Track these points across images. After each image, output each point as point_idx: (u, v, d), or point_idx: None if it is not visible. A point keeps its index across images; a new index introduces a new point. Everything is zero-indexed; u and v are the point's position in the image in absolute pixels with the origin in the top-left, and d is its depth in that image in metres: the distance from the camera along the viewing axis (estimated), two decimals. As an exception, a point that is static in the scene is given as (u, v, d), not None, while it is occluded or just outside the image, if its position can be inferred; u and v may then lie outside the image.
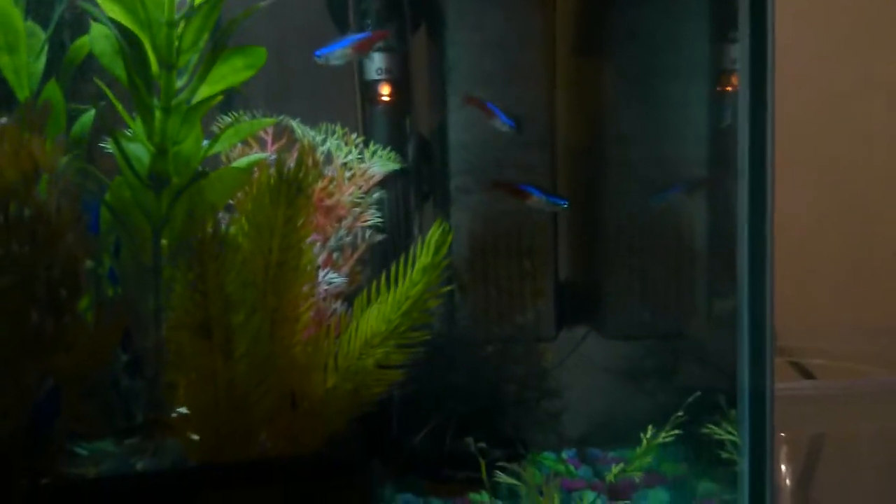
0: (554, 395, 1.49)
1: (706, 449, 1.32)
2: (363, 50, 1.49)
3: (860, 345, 1.85)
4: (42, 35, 1.31)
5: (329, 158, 1.40)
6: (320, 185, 1.36)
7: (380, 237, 1.43)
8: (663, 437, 1.27)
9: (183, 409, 1.17)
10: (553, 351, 1.59)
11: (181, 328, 1.14)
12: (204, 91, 1.23)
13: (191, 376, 1.16)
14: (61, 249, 1.12)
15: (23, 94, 1.28)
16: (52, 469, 1.16)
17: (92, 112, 1.30)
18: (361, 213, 1.39)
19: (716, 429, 1.26)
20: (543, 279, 1.59)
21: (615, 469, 1.31)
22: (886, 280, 2.15)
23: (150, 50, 1.21)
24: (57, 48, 1.34)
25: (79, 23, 1.35)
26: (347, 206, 1.38)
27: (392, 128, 1.61)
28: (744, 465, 1.14)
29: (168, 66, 1.21)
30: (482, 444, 1.29)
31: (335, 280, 1.32)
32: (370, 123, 1.61)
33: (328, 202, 1.37)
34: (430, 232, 1.21)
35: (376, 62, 1.59)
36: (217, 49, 1.21)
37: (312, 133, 1.41)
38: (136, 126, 1.23)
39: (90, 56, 1.30)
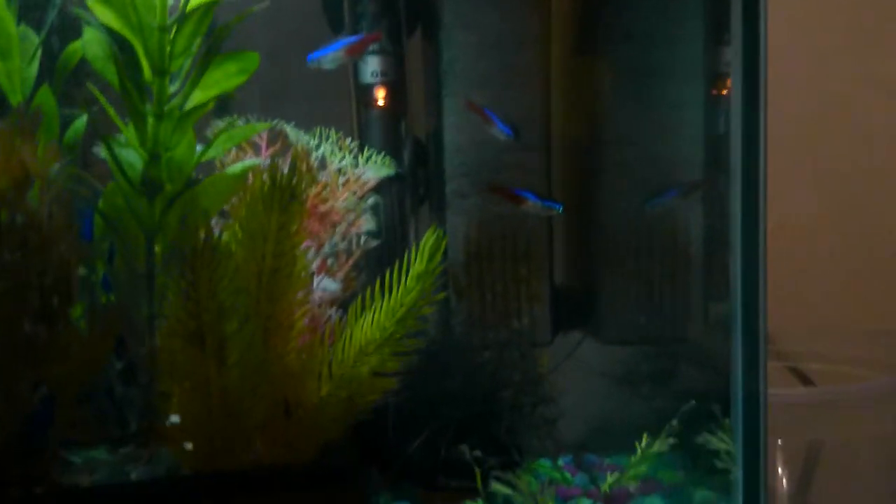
0: (550, 400, 1.48)
1: (703, 456, 1.31)
2: (355, 53, 1.49)
3: (858, 347, 1.84)
4: (35, 39, 1.31)
5: (323, 164, 1.39)
6: (314, 190, 1.35)
7: (375, 243, 1.42)
8: (659, 445, 1.26)
9: (175, 418, 1.17)
10: (549, 356, 1.58)
11: (174, 336, 1.14)
12: (197, 97, 1.22)
13: (184, 384, 1.16)
14: (54, 256, 1.11)
15: (15, 99, 1.28)
16: (46, 477, 1.16)
17: (85, 118, 1.30)
18: (356, 218, 1.39)
19: (712, 437, 1.25)
20: (539, 283, 1.59)
21: (610, 478, 1.30)
22: (885, 281, 2.15)
23: (142, 55, 1.21)
24: (50, 53, 1.33)
25: (72, 27, 1.34)
26: (342, 212, 1.37)
27: (387, 131, 1.61)
28: (738, 473, 1.14)
29: (160, 71, 1.20)
30: (477, 452, 1.28)
31: (330, 286, 1.32)
32: (365, 127, 1.60)
33: (322, 208, 1.36)
34: (425, 238, 1.20)
35: (371, 65, 1.59)
36: (210, 54, 1.21)
37: (307, 138, 1.40)
38: (129, 132, 1.23)
39: (83, 61, 1.29)
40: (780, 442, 1.63)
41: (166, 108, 1.21)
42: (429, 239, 1.20)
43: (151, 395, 1.22)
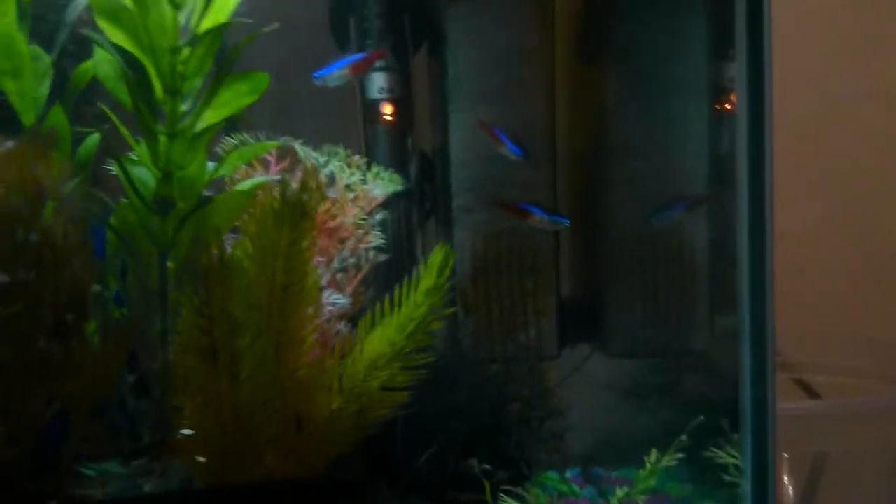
0: (557, 414, 1.49)
1: (710, 469, 1.32)
2: (361, 70, 1.50)
3: (863, 358, 1.85)
4: (47, 59, 1.32)
5: (332, 180, 1.41)
6: (324, 207, 1.36)
7: (383, 258, 1.43)
8: (668, 459, 1.27)
9: (188, 431, 1.18)
10: (556, 369, 1.59)
11: (187, 351, 1.15)
12: (208, 116, 1.24)
13: (197, 399, 1.17)
14: (68, 274, 1.12)
15: (28, 118, 1.29)
16: (60, 491, 1.17)
17: (96, 136, 1.31)
18: (364, 234, 1.40)
19: (719, 451, 1.26)
20: (546, 297, 1.60)
21: (619, 493, 1.31)
22: (892, 290, 2.15)
23: (154, 75, 1.23)
24: (60, 72, 1.34)
25: (82, 47, 1.36)
26: (351, 228, 1.39)
27: (394, 147, 1.62)
28: (747, 487, 1.14)
29: (173, 91, 1.22)
30: (486, 466, 1.29)
31: (339, 301, 1.33)
32: (372, 143, 1.62)
33: (331, 224, 1.38)
34: (433, 254, 1.22)
35: (378, 81, 1.60)
36: (221, 74, 1.23)
37: (315, 155, 1.42)
38: (141, 150, 1.24)
39: (93, 80, 1.31)
40: (785, 455, 1.64)
41: (178, 127, 1.23)
42: (437, 254, 1.21)
43: (164, 409, 1.23)
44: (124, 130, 1.24)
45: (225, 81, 1.23)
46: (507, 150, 1.50)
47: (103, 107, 1.23)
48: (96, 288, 1.23)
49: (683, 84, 1.59)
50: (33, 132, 1.26)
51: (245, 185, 1.31)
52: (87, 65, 1.30)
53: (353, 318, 1.35)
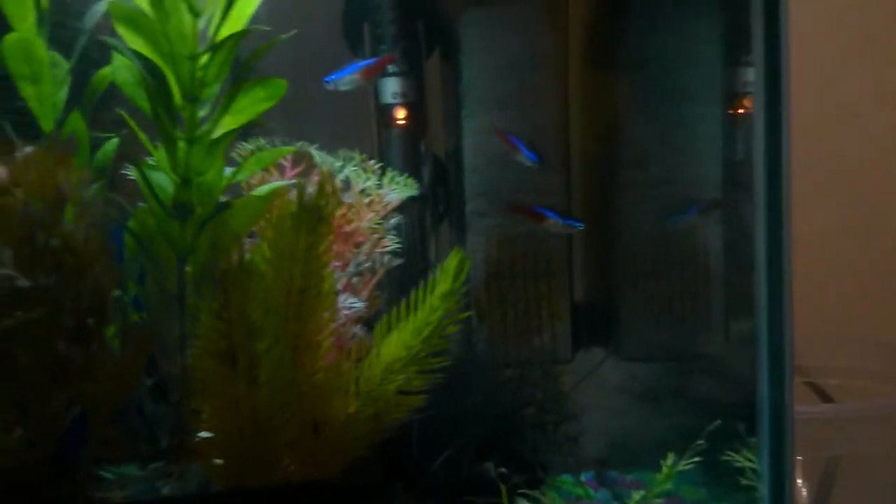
0: (571, 417, 1.50)
1: (726, 473, 1.32)
2: (371, 75, 1.51)
3: (876, 361, 1.84)
4: (65, 65, 1.33)
5: (347, 185, 1.42)
6: (340, 211, 1.37)
7: (397, 262, 1.44)
8: (684, 463, 1.27)
9: (207, 434, 1.19)
10: (570, 373, 1.60)
11: (206, 355, 1.16)
12: (227, 122, 1.25)
13: (215, 402, 1.18)
14: (89, 278, 1.13)
15: (47, 124, 1.30)
16: (80, 494, 1.18)
17: (115, 141, 1.32)
18: (380, 238, 1.41)
19: (735, 455, 1.26)
20: (559, 301, 1.60)
21: (636, 496, 1.31)
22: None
23: (173, 82, 1.24)
24: (78, 78, 1.36)
25: (100, 53, 1.37)
26: (366, 232, 1.40)
27: (408, 151, 1.63)
28: (764, 490, 1.15)
29: (192, 98, 1.23)
30: (502, 469, 1.30)
31: (355, 305, 1.34)
32: (386, 147, 1.63)
33: (347, 228, 1.39)
34: (449, 258, 1.22)
35: (391, 86, 1.61)
36: (239, 80, 1.24)
37: (331, 160, 1.43)
38: (160, 156, 1.26)
39: (109, 86, 1.32)
40: (799, 458, 1.64)
41: (197, 133, 1.24)
42: (453, 259, 1.22)
43: (182, 413, 1.24)
44: (143, 136, 1.25)
45: (243, 88, 1.24)
46: (523, 156, 1.51)
47: (122, 112, 1.25)
48: (115, 292, 1.24)
49: (697, 88, 1.60)
50: (53, 137, 1.27)
51: (262, 190, 1.32)
52: (106, 71, 1.31)
53: (368, 321, 1.36)
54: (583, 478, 1.51)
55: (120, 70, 1.28)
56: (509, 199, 1.57)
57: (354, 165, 1.43)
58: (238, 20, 1.24)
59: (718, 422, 1.30)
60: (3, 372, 1.08)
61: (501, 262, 1.59)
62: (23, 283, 1.07)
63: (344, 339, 1.31)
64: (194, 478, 1.24)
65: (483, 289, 1.59)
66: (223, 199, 1.29)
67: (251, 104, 1.25)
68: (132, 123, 1.24)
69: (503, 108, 1.60)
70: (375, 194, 1.42)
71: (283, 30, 1.25)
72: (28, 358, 1.10)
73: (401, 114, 1.62)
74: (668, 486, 1.29)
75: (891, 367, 1.83)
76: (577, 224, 1.53)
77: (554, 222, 1.51)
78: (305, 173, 1.41)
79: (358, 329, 1.34)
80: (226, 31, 1.22)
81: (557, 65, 1.62)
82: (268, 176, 1.40)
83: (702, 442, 1.30)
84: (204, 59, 1.22)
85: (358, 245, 1.40)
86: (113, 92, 1.33)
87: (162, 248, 1.27)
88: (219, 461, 1.20)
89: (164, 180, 1.26)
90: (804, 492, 1.67)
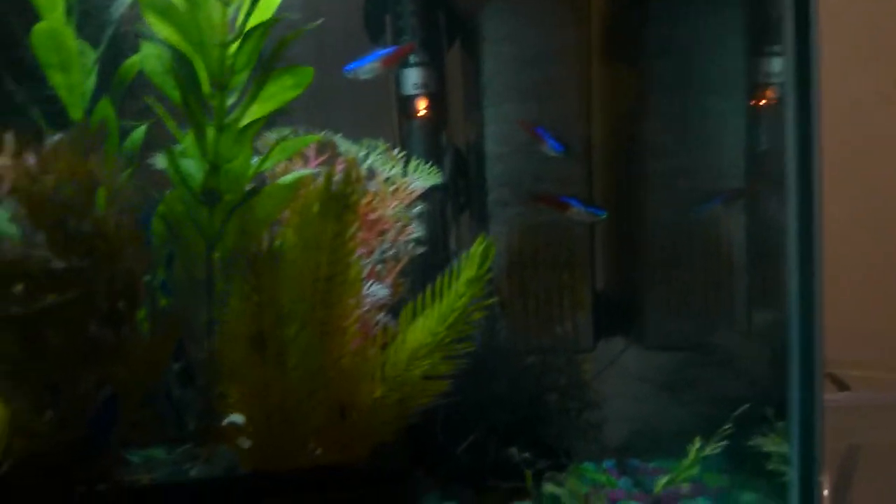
0: (593, 405, 1.51)
1: (749, 460, 1.33)
2: (391, 64, 1.52)
3: (886, 352, 1.84)
4: (93, 54, 1.34)
5: (372, 173, 1.43)
6: (365, 200, 1.38)
7: (421, 250, 1.45)
8: (711, 449, 1.28)
9: (238, 418, 1.20)
10: (592, 361, 1.61)
11: (236, 340, 1.18)
12: (255, 110, 1.26)
13: (244, 387, 1.20)
14: (121, 263, 1.15)
15: (76, 112, 1.32)
16: (109, 476, 1.19)
17: (143, 128, 1.34)
18: (404, 226, 1.42)
19: (759, 440, 1.27)
20: (582, 290, 1.61)
21: (662, 480, 1.32)
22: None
23: (202, 70, 1.25)
24: (107, 67, 1.37)
25: (126, 41, 1.38)
26: (390, 220, 1.41)
27: (429, 141, 1.64)
28: (793, 476, 1.15)
29: (221, 86, 1.24)
30: (526, 454, 1.31)
31: (380, 292, 1.35)
32: (407, 138, 1.64)
33: (372, 216, 1.40)
34: (475, 245, 1.23)
35: (413, 77, 1.62)
36: (267, 69, 1.25)
37: (356, 148, 1.44)
38: (188, 143, 1.27)
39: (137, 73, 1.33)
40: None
41: (226, 120, 1.25)
42: (479, 246, 1.23)
43: (209, 397, 1.26)
44: (171, 124, 1.26)
45: (271, 76, 1.25)
46: (548, 147, 1.51)
47: (149, 100, 1.26)
48: (145, 277, 1.26)
49: (720, 79, 1.60)
50: (83, 125, 1.28)
51: (288, 178, 1.33)
52: (134, 59, 1.33)
53: (392, 308, 1.37)
54: (604, 465, 1.52)
55: (149, 59, 1.29)
56: (532, 188, 1.58)
57: (379, 154, 1.44)
58: (266, 9, 1.25)
59: (746, 406, 1.30)
60: (37, 353, 1.10)
61: (524, 252, 1.60)
62: (57, 264, 1.08)
63: (369, 325, 1.32)
64: (221, 461, 1.25)
65: (506, 278, 1.60)
66: (250, 186, 1.30)
67: (279, 92, 1.26)
68: (162, 111, 1.25)
69: (525, 99, 1.61)
70: (400, 183, 1.43)
71: (309, 17, 1.26)
72: (60, 339, 1.11)
73: (422, 104, 1.63)
74: (695, 471, 1.30)
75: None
76: (601, 212, 1.53)
77: (577, 210, 1.51)
78: (329, 162, 1.42)
79: (382, 316, 1.35)
80: (255, 20, 1.23)
81: (579, 56, 1.63)
82: (291, 165, 1.41)
83: (729, 426, 1.31)
84: (233, 47, 1.24)
85: (382, 233, 1.41)
86: (138, 81, 1.34)
87: (190, 234, 1.28)
88: (246, 444, 1.22)
89: (193, 167, 1.27)
90: (825, 480, 1.67)
